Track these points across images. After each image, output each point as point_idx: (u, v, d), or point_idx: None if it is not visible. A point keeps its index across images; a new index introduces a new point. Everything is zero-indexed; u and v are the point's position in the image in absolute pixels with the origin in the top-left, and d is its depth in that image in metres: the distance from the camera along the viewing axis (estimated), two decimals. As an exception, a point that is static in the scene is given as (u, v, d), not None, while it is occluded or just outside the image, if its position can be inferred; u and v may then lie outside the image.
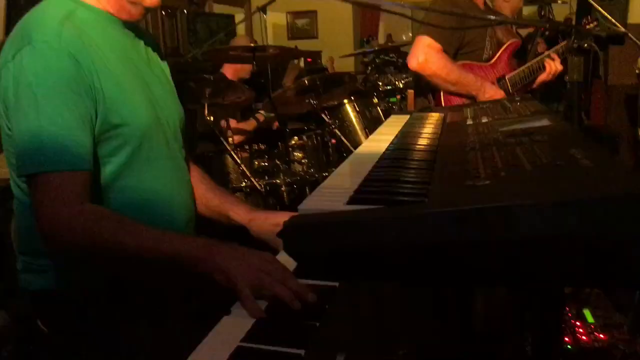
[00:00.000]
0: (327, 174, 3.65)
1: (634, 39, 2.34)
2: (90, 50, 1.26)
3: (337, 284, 1.27)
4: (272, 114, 3.91)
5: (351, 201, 0.86)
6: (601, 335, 2.60)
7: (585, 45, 1.69)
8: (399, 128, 1.60)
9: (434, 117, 1.71)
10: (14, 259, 1.46)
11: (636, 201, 0.67)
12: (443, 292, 1.16)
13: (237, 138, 3.77)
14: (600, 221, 0.67)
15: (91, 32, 1.30)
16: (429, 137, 1.39)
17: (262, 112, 4.02)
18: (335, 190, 0.94)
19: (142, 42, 1.46)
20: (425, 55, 2.46)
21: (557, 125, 1.25)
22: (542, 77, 2.68)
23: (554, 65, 2.59)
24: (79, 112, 1.21)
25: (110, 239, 1.17)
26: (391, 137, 1.45)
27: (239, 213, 1.54)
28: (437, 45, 2.47)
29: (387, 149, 1.25)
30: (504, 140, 1.17)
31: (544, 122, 1.34)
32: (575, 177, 0.80)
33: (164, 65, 1.55)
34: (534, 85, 2.72)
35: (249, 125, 3.98)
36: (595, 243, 0.68)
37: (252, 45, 3.36)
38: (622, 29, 2.36)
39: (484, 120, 1.50)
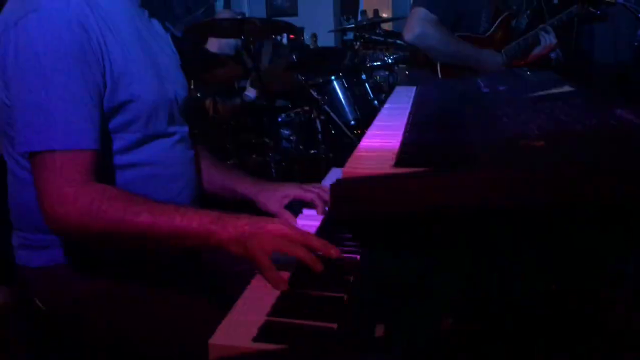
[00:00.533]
0: (315, 150, 3.60)
1: (631, 9, 2.32)
2: (98, 20, 1.17)
3: (357, 256, 1.24)
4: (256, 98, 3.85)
5: (399, 163, 0.80)
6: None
7: (599, 12, 1.65)
8: (411, 98, 1.55)
9: (445, 87, 1.66)
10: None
11: None
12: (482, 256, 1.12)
13: (223, 117, 3.69)
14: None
15: (97, 2, 1.21)
16: (449, 103, 1.34)
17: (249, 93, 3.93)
18: (375, 154, 0.88)
19: (146, 12, 1.38)
20: (422, 27, 2.40)
21: (585, 90, 1.21)
22: (537, 51, 2.66)
23: (548, 39, 2.56)
24: (89, 85, 1.13)
25: (121, 216, 1.11)
26: (407, 106, 1.39)
27: (246, 186, 1.50)
28: (434, 17, 2.41)
29: (410, 115, 1.19)
30: (535, 105, 1.13)
31: (568, 88, 1.31)
32: (638, 135, 0.76)
33: (168, 37, 1.47)
34: (531, 58, 2.69)
35: (235, 103, 3.90)
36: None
37: (239, 17, 3.27)
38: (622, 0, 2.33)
39: (502, 88, 1.45)
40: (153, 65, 1.31)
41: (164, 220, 1.11)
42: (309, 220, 1.54)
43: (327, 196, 1.51)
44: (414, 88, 1.79)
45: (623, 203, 0.66)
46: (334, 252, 1.00)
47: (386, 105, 1.50)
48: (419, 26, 2.41)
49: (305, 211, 1.62)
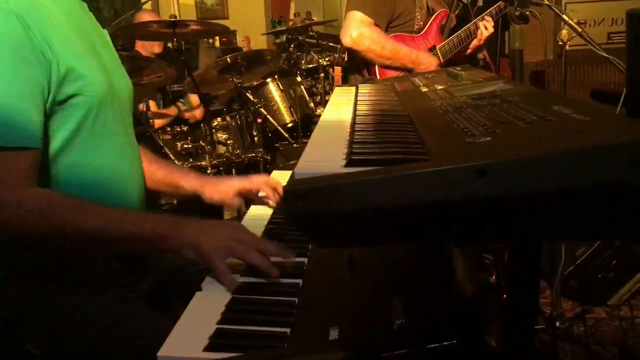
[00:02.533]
0: (252, 154, 3.57)
1: (556, 10, 2.42)
2: (42, 12, 1.12)
3: (305, 259, 1.23)
4: (195, 106, 3.79)
5: (349, 163, 0.80)
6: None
7: (528, 12, 1.72)
8: (352, 98, 1.55)
9: (383, 87, 1.67)
10: None
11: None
12: (427, 255, 1.14)
13: (159, 122, 3.61)
14: (626, 167, 0.66)
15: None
16: (391, 103, 1.35)
17: (182, 101, 3.86)
18: (324, 154, 0.88)
19: (86, 8, 1.33)
20: (358, 30, 2.43)
21: (521, 87, 1.25)
22: (474, 43, 2.74)
23: (485, 31, 2.64)
24: (30, 81, 1.08)
25: (66, 221, 1.07)
26: (349, 106, 1.40)
27: (190, 180, 1.50)
28: (369, 19, 2.44)
29: (355, 115, 1.20)
30: (474, 103, 1.15)
31: (504, 86, 1.34)
32: (578, 129, 0.79)
33: (106, 33, 1.42)
34: (467, 53, 2.77)
35: (171, 110, 3.81)
36: (620, 190, 0.67)
37: (172, 20, 3.19)
38: (544, 1, 2.43)
39: (439, 87, 1.48)
40: (99, 61, 1.27)
41: (113, 225, 1.09)
42: (259, 212, 1.54)
43: (272, 184, 1.51)
44: (353, 88, 1.80)
45: (565, 193, 0.69)
46: (289, 256, 1.00)
47: (329, 105, 1.50)
48: (355, 29, 2.43)
49: (253, 207, 1.61)
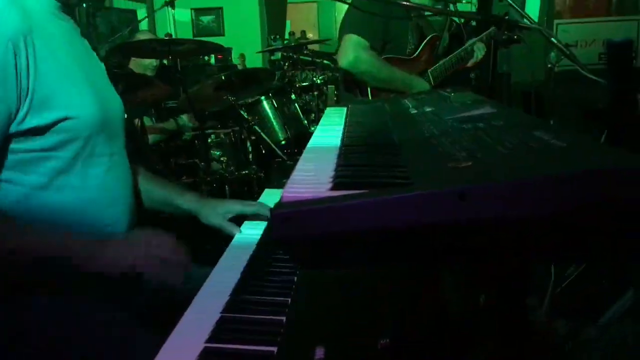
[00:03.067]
0: (246, 171, 3.59)
1: (545, 33, 2.47)
2: (36, 36, 1.15)
3: (294, 277, 1.25)
4: (191, 125, 3.82)
5: (336, 187, 0.82)
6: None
7: (515, 37, 1.76)
8: (342, 119, 1.58)
9: (374, 108, 1.71)
10: None
11: (629, 172, 0.69)
12: (415, 276, 1.16)
13: (153, 138, 3.63)
14: (600, 193, 0.69)
15: (36, 18, 1.19)
16: (381, 125, 1.38)
17: (184, 117, 3.89)
18: (311, 177, 0.90)
19: (79, 30, 1.36)
20: (355, 53, 2.48)
21: (506, 111, 1.28)
22: (470, 63, 2.80)
23: (480, 55, 2.71)
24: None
25: (2, 244, 1.11)
26: (339, 128, 1.42)
27: (189, 201, 1.53)
28: (365, 43, 2.49)
29: (344, 137, 1.23)
30: (460, 126, 1.18)
31: (490, 109, 1.37)
32: (556, 155, 0.82)
33: (102, 64, 1.46)
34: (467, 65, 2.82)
35: (169, 124, 3.84)
36: (595, 215, 0.70)
37: (167, 38, 3.23)
38: (537, 25, 2.48)
39: (428, 109, 1.51)
40: (91, 84, 1.30)
41: (47, 247, 1.14)
42: (251, 230, 1.56)
43: (267, 211, 1.54)
44: (345, 109, 1.83)
45: (541, 218, 0.71)
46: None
47: (319, 127, 1.53)
48: (352, 52, 2.48)
49: (247, 223, 1.64)
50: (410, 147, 1.06)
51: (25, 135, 1.16)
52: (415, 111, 1.51)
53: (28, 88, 1.14)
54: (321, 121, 1.68)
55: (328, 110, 1.94)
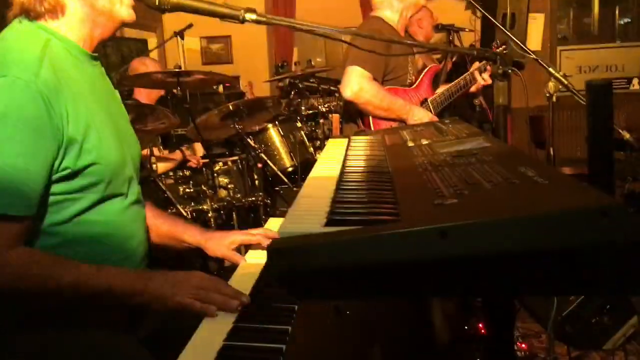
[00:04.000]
0: (253, 198, 3.65)
1: (543, 64, 2.54)
2: (65, 88, 1.22)
3: (295, 306, 1.30)
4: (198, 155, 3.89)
5: (329, 223, 0.88)
6: (523, 345, 2.75)
7: (510, 70, 1.82)
8: (343, 151, 1.65)
9: (374, 140, 1.77)
10: None
11: (597, 213, 0.74)
12: (406, 308, 1.21)
13: (162, 167, 3.70)
14: (568, 233, 0.74)
15: (64, 66, 1.27)
16: (378, 158, 1.44)
17: (187, 147, 3.97)
18: (308, 213, 0.96)
19: (104, 74, 1.44)
20: (359, 84, 2.55)
21: (497, 146, 1.34)
22: (473, 89, 2.87)
23: (482, 82, 2.78)
24: (41, 156, 1.18)
25: (47, 278, 1.17)
26: (339, 160, 1.49)
27: (194, 235, 1.58)
28: (368, 74, 2.56)
29: (342, 172, 1.29)
30: (453, 161, 1.24)
31: (483, 143, 1.43)
32: (535, 193, 0.87)
33: (120, 99, 1.53)
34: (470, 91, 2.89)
35: (175, 155, 3.91)
36: (566, 253, 0.75)
37: (176, 70, 3.32)
38: (532, 55, 2.56)
39: (424, 142, 1.57)
40: (114, 129, 1.37)
41: (87, 282, 1.19)
42: (255, 260, 1.61)
43: (271, 235, 1.59)
44: (345, 140, 1.90)
45: (519, 254, 0.77)
46: (245, 299, 1.08)
47: (320, 159, 1.59)
48: (356, 83, 2.55)
49: (251, 252, 1.70)
50: (404, 182, 1.12)
51: (56, 181, 1.24)
52: (412, 144, 1.58)
53: (62, 137, 1.21)
54: (322, 153, 1.75)
55: (330, 141, 2.02)
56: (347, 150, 1.66)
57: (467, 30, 5.15)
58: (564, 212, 0.75)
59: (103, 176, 1.29)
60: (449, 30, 5.10)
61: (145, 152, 3.50)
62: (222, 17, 1.41)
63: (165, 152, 3.95)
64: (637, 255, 0.75)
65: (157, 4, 1.35)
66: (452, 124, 1.89)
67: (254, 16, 1.40)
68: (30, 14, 1.28)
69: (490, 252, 0.77)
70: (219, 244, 1.57)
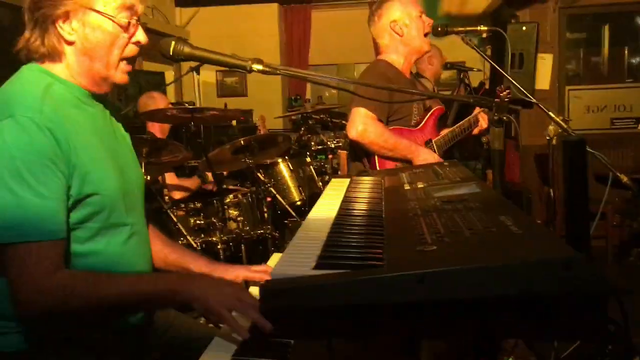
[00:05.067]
0: (262, 231, 3.74)
1: (543, 108, 2.62)
2: (66, 125, 1.33)
3: (291, 340, 1.38)
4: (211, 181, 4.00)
5: (317, 267, 0.96)
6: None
7: (505, 117, 1.90)
8: (342, 193, 1.73)
9: (373, 182, 1.85)
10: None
11: (560, 264, 0.82)
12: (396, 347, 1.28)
13: (178, 194, 3.80)
14: (533, 282, 0.82)
15: (66, 106, 1.37)
16: (374, 201, 1.53)
17: (199, 175, 4.08)
18: (300, 256, 1.04)
19: (107, 113, 1.54)
20: (364, 125, 2.64)
21: (485, 192, 1.42)
22: (475, 131, 2.96)
23: (485, 124, 2.87)
24: (57, 184, 1.28)
25: (89, 297, 1.26)
26: (337, 202, 1.57)
27: (200, 266, 1.66)
28: (373, 115, 2.65)
29: (338, 214, 1.37)
30: (442, 206, 1.32)
31: (474, 189, 1.51)
32: (508, 242, 0.95)
33: (127, 135, 1.62)
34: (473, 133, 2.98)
35: (193, 183, 4.02)
36: (531, 301, 0.82)
37: (190, 107, 3.46)
38: (533, 100, 2.65)
39: (420, 185, 1.66)
40: (114, 161, 1.46)
41: (129, 289, 1.28)
42: (256, 294, 1.69)
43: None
44: (347, 180, 1.98)
45: (490, 300, 0.84)
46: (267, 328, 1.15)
47: (320, 199, 1.68)
48: (361, 124, 2.65)
49: (252, 287, 1.77)
50: (393, 227, 1.20)
51: None
52: (408, 187, 1.66)
53: (70, 164, 1.31)
54: (324, 192, 1.84)
55: (332, 181, 2.10)
56: (346, 191, 1.74)
57: (475, 70, 5.26)
58: (529, 263, 0.82)
59: (103, 206, 1.38)
60: (458, 69, 5.23)
61: (162, 179, 3.62)
62: (231, 67, 1.52)
63: (183, 180, 4.05)
64: (596, 305, 0.82)
65: (171, 54, 1.46)
66: (450, 167, 1.97)
67: (260, 67, 1.50)
68: (35, 56, 1.39)
69: (463, 296, 0.85)
70: (225, 276, 1.65)
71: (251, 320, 1.17)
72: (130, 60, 1.45)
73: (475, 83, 6.10)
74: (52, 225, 1.26)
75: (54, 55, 1.39)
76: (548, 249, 0.88)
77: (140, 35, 1.44)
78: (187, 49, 1.45)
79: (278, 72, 1.54)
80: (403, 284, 0.86)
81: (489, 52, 6.55)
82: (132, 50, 1.44)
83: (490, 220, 1.10)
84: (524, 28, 5.38)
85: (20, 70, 1.41)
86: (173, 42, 1.44)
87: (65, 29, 1.37)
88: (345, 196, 1.65)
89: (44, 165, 1.26)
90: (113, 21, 1.38)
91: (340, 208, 1.47)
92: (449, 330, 0.91)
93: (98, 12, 1.36)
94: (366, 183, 1.87)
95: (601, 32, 6.19)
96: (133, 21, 1.42)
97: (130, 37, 1.42)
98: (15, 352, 1.36)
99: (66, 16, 1.36)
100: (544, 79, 5.90)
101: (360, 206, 1.49)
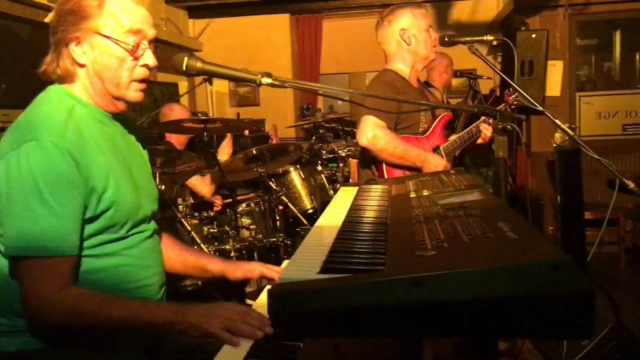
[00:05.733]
0: (274, 239, 3.81)
1: (550, 115, 2.66)
2: (86, 146, 1.41)
3: (300, 344, 1.43)
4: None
5: (323, 271, 1.02)
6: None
7: (509, 126, 1.95)
8: (350, 200, 1.79)
9: (380, 190, 1.91)
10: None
11: (549, 267, 0.87)
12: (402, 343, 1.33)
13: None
14: (524, 284, 0.87)
15: (87, 128, 1.46)
16: (380, 209, 1.58)
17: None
18: (306, 261, 1.10)
19: (126, 131, 1.62)
20: (373, 132, 2.70)
21: (487, 200, 1.47)
22: (480, 141, 2.99)
23: (488, 132, 2.91)
24: (74, 204, 1.36)
25: (96, 315, 1.33)
26: (345, 209, 1.63)
27: (216, 264, 1.77)
28: (382, 123, 2.71)
29: (344, 222, 1.43)
30: (444, 213, 1.38)
31: (477, 196, 1.56)
32: (503, 247, 1.00)
33: (145, 152, 1.71)
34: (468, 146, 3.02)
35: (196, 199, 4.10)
36: (522, 301, 0.87)
37: (202, 117, 3.53)
38: (539, 107, 2.69)
39: (425, 193, 1.71)
40: (130, 177, 1.55)
41: (133, 316, 1.34)
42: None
43: None
44: (356, 189, 2.04)
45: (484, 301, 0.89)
46: (268, 330, 1.20)
47: (329, 207, 1.74)
48: (371, 131, 2.71)
49: (268, 286, 1.84)
50: (396, 233, 1.26)
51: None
52: (414, 195, 1.71)
53: (88, 186, 1.39)
54: (332, 201, 1.90)
55: (341, 190, 2.16)
56: (354, 199, 1.80)
57: (485, 77, 5.30)
58: (519, 266, 0.87)
59: (119, 220, 1.47)
60: (467, 76, 5.28)
61: (175, 190, 3.70)
62: (241, 80, 1.58)
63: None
64: (583, 304, 0.87)
65: (184, 69, 1.53)
66: (456, 175, 2.02)
67: (269, 80, 1.57)
68: (52, 77, 1.48)
69: (459, 298, 0.90)
70: (239, 267, 1.75)
71: (241, 334, 1.24)
72: (142, 80, 1.52)
73: (486, 90, 6.14)
74: (65, 243, 1.34)
75: (66, 77, 1.47)
76: (539, 253, 0.93)
77: (149, 59, 1.50)
78: (199, 64, 1.52)
79: (286, 85, 1.59)
80: (401, 287, 0.91)
81: (499, 60, 6.59)
82: (141, 72, 1.50)
83: (489, 227, 1.15)
84: (533, 35, 5.42)
85: (46, 90, 1.50)
86: (186, 58, 1.51)
87: (77, 51, 1.45)
88: (352, 204, 1.71)
89: (63, 187, 1.34)
90: (119, 45, 1.44)
91: (347, 216, 1.53)
92: (447, 330, 0.96)
93: (105, 36, 1.43)
94: (374, 191, 1.93)
95: (612, 38, 6.20)
96: (142, 45, 1.48)
97: (137, 60, 1.48)
98: (33, 351, 1.43)
99: (78, 40, 1.44)
100: (554, 85, 5.92)
101: (367, 214, 1.55)
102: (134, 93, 1.51)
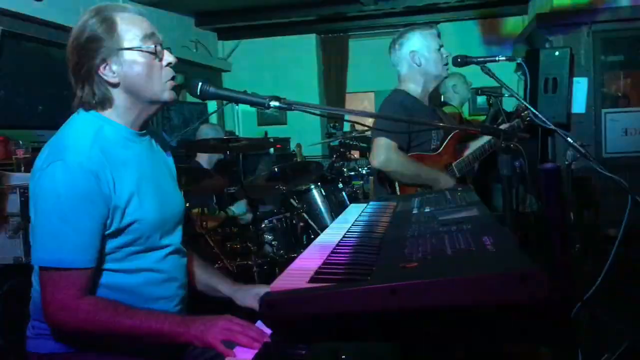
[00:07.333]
0: (295, 254, 3.89)
1: (560, 133, 2.70)
2: (111, 166, 1.52)
3: (303, 351, 1.51)
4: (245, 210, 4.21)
5: (311, 280, 1.11)
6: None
7: (512, 145, 2.00)
8: (355, 217, 1.87)
9: (385, 207, 1.98)
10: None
11: (517, 276, 0.94)
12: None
13: (211, 224, 4.01)
14: (492, 293, 0.94)
15: (114, 147, 1.57)
16: (380, 225, 1.66)
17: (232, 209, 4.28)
18: (299, 272, 1.19)
19: (152, 145, 1.74)
20: (386, 154, 2.78)
21: (481, 215, 1.53)
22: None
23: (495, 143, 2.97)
24: (96, 219, 1.48)
25: (110, 323, 1.45)
26: (347, 225, 1.71)
27: (225, 287, 1.84)
28: (394, 144, 2.79)
29: (343, 237, 1.51)
30: (438, 229, 1.45)
31: (473, 212, 1.63)
32: (479, 260, 1.07)
33: (170, 159, 1.82)
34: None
35: (220, 215, 4.22)
36: (490, 311, 0.94)
37: (227, 137, 3.68)
38: (550, 125, 2.73)
39: (427, 209, 1.78)
40: (156, 192, 1.65)
41: (141, 325, 1.46)
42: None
43: None
44: (364, 206, 2.12)
45: (456, 310, 0.96)
46: (265, 340, 1.29)
47: (333, 223, 1.82)
48: (383, 153, 2.79)
49: None
50: (388, 247, 1.33)
51: (105, 238, 1.53)
52: (416, 211, 1.79)
53: (111, 202, 1.50)
54: (339, 217, 1.98)
55: (350, 206, 2.24)
56: (360, 215, 1.88)
57: (507, 95, 5.33)
58: (487, 276, 0.95)
59: (143, 233, 1.58)
60: (488, 94, 5.32)
61: (197, 211, 3.83)
62: (251, 104, 1.69)
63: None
64: (551, 312, 0.94)
65: (198, 94, 1.64)
66: (461, 192, 2.08)
67: (277, 103, 1.66)
68: (85, 106, 1.59)
69: (431, 305, 0.97)
70: (247, 294, 1.81)
71: (239, 343, 1.34)
72: (171, 79, 1.64)
73: (510, 107, 6.16)
74: (84, 256, 1.46)
75: (104, 102, 1.58)
76: (510, 264, 1.00)
77: (169, 57, 1.62)
78: (212, 89, 1.63)
79: (292, 108, 1.69)
80: (379, 295, 0.99)
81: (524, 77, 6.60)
82: (167, 72, 1.63)
83: (474, 241, 1.22)
84: (556, 53, 5.46)
85: (77, 112, 1.61)
86: (200, 84, 1.63)
87: (108, 74, 1.55)
88: (356, 220, 1.79)
89: (83, 205, 1.45)
90: (142, 51, 1.56)
91: (348, 231, 1.61)
92: (423, 336, 1.03)
93: (128, 48, 1.55)
94: (379, 208, 2.00)
95: (638, 54, 6.16)
96: (159, 47, 1.60)
97: (161, 61, 1.60)
98: (64, 354, 1.56)
99: (104, 62, 1.54)
100: (579, 102, 5.91)
101: (366, 229, 1.62)
102: (168, 93, 1.63)
